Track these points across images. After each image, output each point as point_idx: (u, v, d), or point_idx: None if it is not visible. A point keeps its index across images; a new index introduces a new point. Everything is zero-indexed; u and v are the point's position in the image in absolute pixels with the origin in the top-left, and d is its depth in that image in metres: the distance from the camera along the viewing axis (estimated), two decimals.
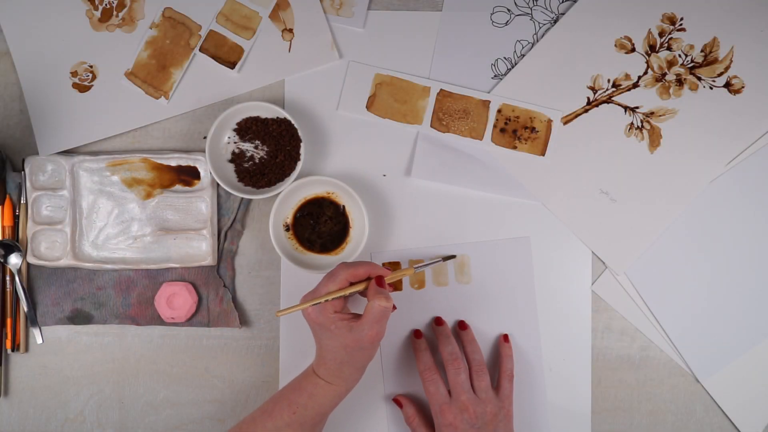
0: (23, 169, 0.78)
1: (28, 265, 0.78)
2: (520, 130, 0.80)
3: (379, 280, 0.69)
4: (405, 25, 0.81)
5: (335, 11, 0.81)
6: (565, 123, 0.80)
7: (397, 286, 0.79)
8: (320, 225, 0.78)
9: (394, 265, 0.79)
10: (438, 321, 0.78)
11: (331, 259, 0.77)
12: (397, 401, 0.77)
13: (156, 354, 0.79)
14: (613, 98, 0.80)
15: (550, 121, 0.80)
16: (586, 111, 0.80)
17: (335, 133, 0.80)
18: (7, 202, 0.78)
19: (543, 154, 0.79)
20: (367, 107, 0.80)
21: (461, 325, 0.78)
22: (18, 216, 0.78)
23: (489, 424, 0.71)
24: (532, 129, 0.80)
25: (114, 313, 0.78)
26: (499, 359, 0.77)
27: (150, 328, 0.79)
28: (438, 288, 0.79)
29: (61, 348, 0.79)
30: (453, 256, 0.78)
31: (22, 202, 0.78)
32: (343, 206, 0.78)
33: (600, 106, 0.80)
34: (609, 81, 0.80)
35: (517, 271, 0.79)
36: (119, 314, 0.78)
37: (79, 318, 0.78)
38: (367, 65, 0.80)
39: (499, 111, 0.80)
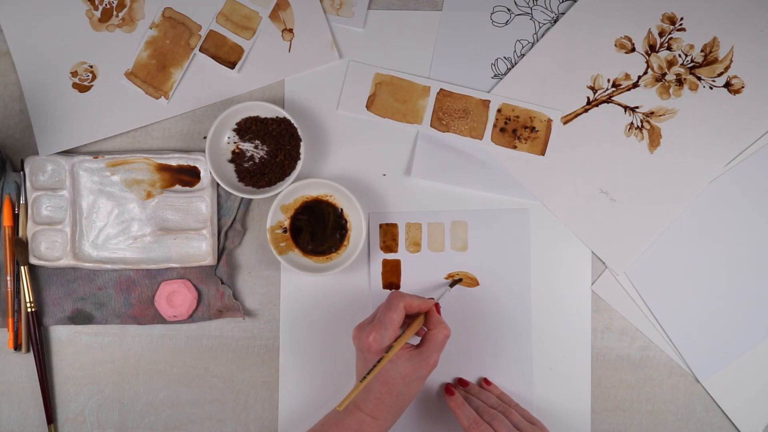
0: (23, 169, 0.78)
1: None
2: (520, 130, 0.80)
3: (438, 308, 0.72)
4: (405, 25, 0.81)
5: (335, 11, 0.81)
6: (565, 123, 0.80)
7: (392, 248, 0.79)
8: (317, 228, 0.78)
9: (392, 227, 0.79)
10: (462, 382, 0.78)
11: (328, 263, 0.77)
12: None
13: (156, 354, 0.79)
14: (613, 98, 0.80)
15: (550, 121, 0.80)
16: (586, 111, 0.80)
17: (335, 133, 0.80)
18: (7, 202, 0.78)
19: (543, 154, 0.79)
20: (367, 107, 0.80)
21: (486, 382, 0.78)
22: (18, 216, 0.78)
23: None
24: (532, 129, 0.80)
25: (115, 312, 0.78)
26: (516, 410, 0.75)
27: (149, 328, 0.79)
28: (433, 253, 0.79)
29: (61, 348, 0.79)
30: (459, 280, 0.78)
31: (21, 202, 0.78)
32: (341, 209, 0.78)
33: (600, 106, 0.80)
34: (609, 81, 0.80)
35: (513, 241, 0.79)
36: (121, 314, 0.78)
37: (80, 318, 0.78)
38: (367, 65, 0.80)
39: (499, 110, 0.80)
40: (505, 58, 0.80)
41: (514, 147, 0.80)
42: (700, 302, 0.79)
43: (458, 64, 0.80)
